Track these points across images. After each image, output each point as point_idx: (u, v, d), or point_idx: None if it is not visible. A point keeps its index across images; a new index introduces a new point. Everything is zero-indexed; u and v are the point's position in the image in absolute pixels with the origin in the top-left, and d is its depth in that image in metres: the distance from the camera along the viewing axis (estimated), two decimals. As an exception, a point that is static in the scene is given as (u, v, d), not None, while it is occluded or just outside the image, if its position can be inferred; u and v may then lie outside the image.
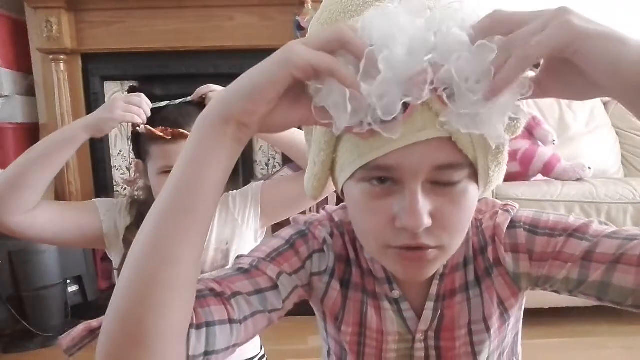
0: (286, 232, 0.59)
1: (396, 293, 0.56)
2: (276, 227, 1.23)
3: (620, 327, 1.74)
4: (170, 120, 0.92)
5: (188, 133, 0.88)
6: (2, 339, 1.75)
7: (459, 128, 0.40)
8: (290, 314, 0.56)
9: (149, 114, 0.93)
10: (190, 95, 0.99)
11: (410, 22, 0.39)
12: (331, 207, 0.63)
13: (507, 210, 0.56)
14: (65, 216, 0.94)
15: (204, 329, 0.44)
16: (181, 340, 0.42)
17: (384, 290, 0.57)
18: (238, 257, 0.57)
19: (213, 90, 0.97)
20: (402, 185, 0.43)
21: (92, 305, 1.89)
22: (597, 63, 0.37)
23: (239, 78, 0.42)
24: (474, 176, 0.45)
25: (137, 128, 0.92)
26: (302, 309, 0.60)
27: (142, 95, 0.94)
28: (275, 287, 0.52)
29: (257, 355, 1.07)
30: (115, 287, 0.41)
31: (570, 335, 1.67)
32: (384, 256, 0.48)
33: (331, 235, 0.58)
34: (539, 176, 1.93)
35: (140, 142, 0.95)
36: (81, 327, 0.47)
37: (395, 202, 0.44)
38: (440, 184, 0.44)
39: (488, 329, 0.56)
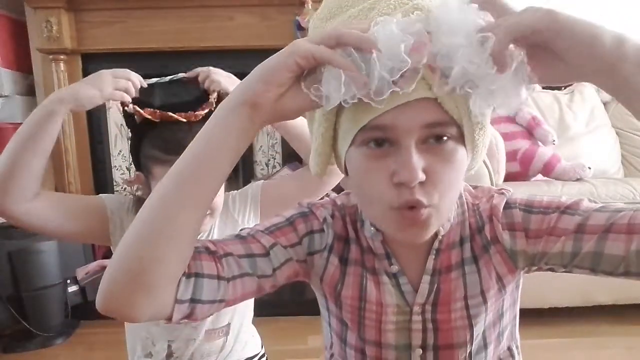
0: (288, 212, 0.63)
1: (395, 268, 0.59)
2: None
3: (620, 327, 1.74)
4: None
5: (177, 117, 0.86)
6: (2, 339, 1.75)
7: (488, 104, 0.46)
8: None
9: (138, 86, 0.90)
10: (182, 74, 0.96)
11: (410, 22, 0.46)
12: (334, 193, 0.68)
13: (502, 193, 0.60)
14: (72, 207, 0.92)
15: (192, 279, 0.51)
16: (173, 285, 0.50)
17: (383, 266, 0.60)
18: (241, 229, 0.61)
19: (216, 73, 0.95)
20: (397, 146, 0.49)
21: (92, 305, 1.88)
22: (574, 45, 0.43)
23: (255, 68, 0.49)
24: (461, 139, 0.50)
25: (126, 107, 0.88)
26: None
27: (127, 70, 0.91)
28: (267, 254, 0.57)
29: (257, 354, 1.07)
30: (125, 235, 0.49)
31: (570, 335, 1.67)
32: (386, 220, 0.52)
33: (332, 216, 0.62)
34: (539, 176, 1.93)
35: (141, 158, 0.92)
36: (96, 263, 0.58)
37: (392, 161, 0.49)
38: (431, 142, 0.49)
39: (485, 302, 0.59)
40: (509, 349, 0.65)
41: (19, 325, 1.69)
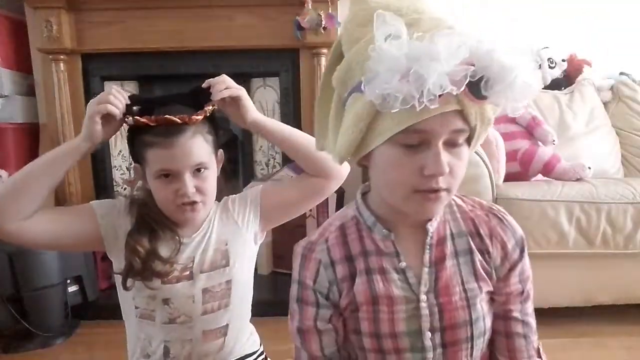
0: (292, 290, 0.74)
1: (403, 264, 0.70)
2: (276, 229, 1.23)
3: (620, 327, 1.74)
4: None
5: (173, 118, 0.86)
6: (2, 339, 1.75)
7: (508, 103, 0.59)
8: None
9: (126, 99, 0.89)
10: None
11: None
12: (327, 220, 0.78)
13: (496, 215, 0.73)
14: (62, 221, 0.93)
15: None
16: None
17: (393, 263, 0.70)
18: None
19: (229, 87, 0.94)
20: (427, 146, 0.60)
21: (92, 305, 1.89)
22: None
23: None
24: (469, 141, 0.63)
25: (126, 119, 0.89)
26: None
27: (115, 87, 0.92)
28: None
29: (256, 352, 1.07)
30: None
31: (570, 335, 1.67)
32: (410, 201, 0.63)
33: (328, 249, 0.72)
34: (539, 176, 1.93)
35: (135, 147, 0.93)
36: None
37: (423, 157, 0.60)
38: (451, 145, 0.61)
39: (479, 287, 0.70)
40: None
41: (19, 325, 1.68)
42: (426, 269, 0.69)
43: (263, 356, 1.09)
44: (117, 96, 0.88)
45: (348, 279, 0.70)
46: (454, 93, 0.55)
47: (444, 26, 0.58)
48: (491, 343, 0.75)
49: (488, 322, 0.71)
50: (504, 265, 0.72)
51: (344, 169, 1.01)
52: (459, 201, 0.74)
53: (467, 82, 0.55)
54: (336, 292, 0.71)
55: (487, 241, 0.71)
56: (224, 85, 0.93)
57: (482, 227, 0.71)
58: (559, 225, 1.65)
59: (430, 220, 0.70)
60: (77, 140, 0.91)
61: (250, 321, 1.09)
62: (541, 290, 1.68)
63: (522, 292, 0.73)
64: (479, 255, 0.70)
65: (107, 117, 0.88)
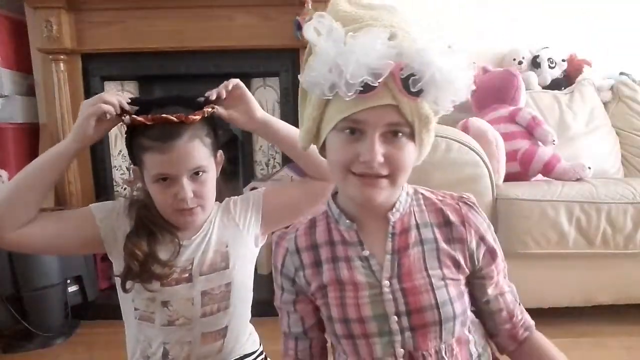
0: (273, 276, 0.84)
1: (366, 252, 0.74)
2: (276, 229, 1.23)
3: (620, 327, 1.74)
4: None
5: (169, 117, 0.86)
6: (2, 339, 1.75)
7: (440, 100, 0.66)
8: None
9: (122, 99, 0.90)
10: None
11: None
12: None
13: (466, 203, 0.78)
14: (61, 227, 0.93)
15: None
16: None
17: (356, 252, 0.75)
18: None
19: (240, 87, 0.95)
20: (365, 135, 0.66)
21: (92, 305, 1.89)
22: None
23: None
24: (412, 137, 0.67)
25: (123, 118, 0.89)
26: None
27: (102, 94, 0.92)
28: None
29: (256, 351, 1.07)
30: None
31: (570, 335, 1.67)
32: (348, 182, 0.69)
33: (295, 237, 0.80)
34: (539, 176, 1.92)
35: (133, 151, 0.93)
36: None
37: (360, 146, 0.66)
38: (390, 136, 0.66)
39: (442, 273, 0.73)
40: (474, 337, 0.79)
41: (19, 325, 1.68)
42: (388, 257, 0.74)
43: (263, 356, 1.09)
44: (111, 95, 0.89)
45: (314, 266, 0.77)
46: (373, 84, 0.61)
47: (380, 25, 0.64)
48: (488, 332, 0.81)
49: (458, 307, 0.73)
50: (480, 248, 0.76)
51: None
52: (428, 194, 0.79)
53: (400, 78, 0.63)
54: (302, 277, 0.78)
55: (461, 228, 0.75)
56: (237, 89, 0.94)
57: (453, 215, 0.76)
58: (559, 225, 1.65)
59: (391, 210, 0.74)
60: (66, 142, 0.90)
61: (249, 321, 1.09)
62: (541, 290, 1.70)
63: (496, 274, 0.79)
64: (447, 244, 0.74)
65: (101, 117, 0.88)
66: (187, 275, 0.95)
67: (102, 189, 2.25)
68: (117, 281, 0.95)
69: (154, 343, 0.97)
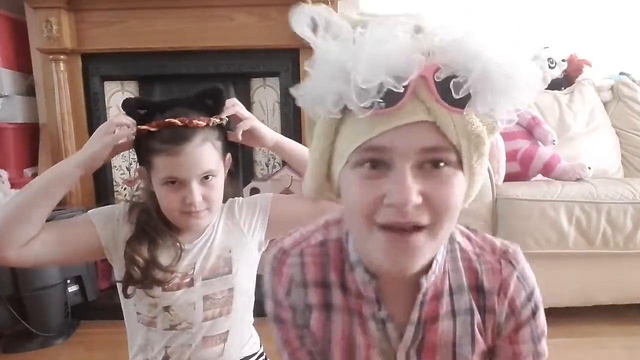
0: (268, 306, 0.64)
1: (383, 313, 0.58)
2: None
3: (620, 327, 1.74)
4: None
5: (174, 121, 0.85)
6: (2, 339, 1.75)
7: (484, 111, 0.46)
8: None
9: (131, 124, 0.90)
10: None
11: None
12: (310, 227, 0.65)
13: (510, 262, 0.60)
14: (61, 239, 0.92)
15: None
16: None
17: (371, 309, 0.58)
18: None
19: (240, 114, 0.96)
20: (393, 167, 0.47)
21: (92, 305, 1.89)
22: None
23: None
24: (460, 166, 0.48)
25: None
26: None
27: (116, 117, 0.92)
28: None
29: (256, 353, 1.07)
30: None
31: (570, 335, 1.67)
32: (373, 241, 0.49)
33: (302, 266, 0.60)
34: (539, 176, 1.93)
35: (142, 152, 0.92)
36: None
37: (386, 182, 0.47)
38: (428, 167, 0.47)
39: (472, 351, 0.59)
40: None
41: (19, 325, 1.68)
42: (411, 327, 0.58)
43: (263, 357, 1.09)
44: (120, 118, 0.89)
45: (322, 309, 0.60)
46: (397, 91, 0.43)
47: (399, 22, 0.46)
48: None
49: None
50: (509, 322, 0.59)
51: None
52: (465, 243, 0.60)
53: (436, 83, 0.44)
54: (307, 315, 0.61)
55: (494, 297, 0.58)
56: (234, 110, 0.95)
57: (489, 280, 0.58)
58: (559, 225, 1.65)
59: (425, 273, 0.55)
60: (70, 166, 0.90)
61: (252, 324, 1.08)
62: (541, 290, 1.68)
63: (536, 353, 0.60)
64: (481, 314, 0.58)
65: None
66: (188, 280, 0.95)
67: (102, 189, 2.25)
68: (119, 286, 0.95)
69: (156, 346, 0.97)
